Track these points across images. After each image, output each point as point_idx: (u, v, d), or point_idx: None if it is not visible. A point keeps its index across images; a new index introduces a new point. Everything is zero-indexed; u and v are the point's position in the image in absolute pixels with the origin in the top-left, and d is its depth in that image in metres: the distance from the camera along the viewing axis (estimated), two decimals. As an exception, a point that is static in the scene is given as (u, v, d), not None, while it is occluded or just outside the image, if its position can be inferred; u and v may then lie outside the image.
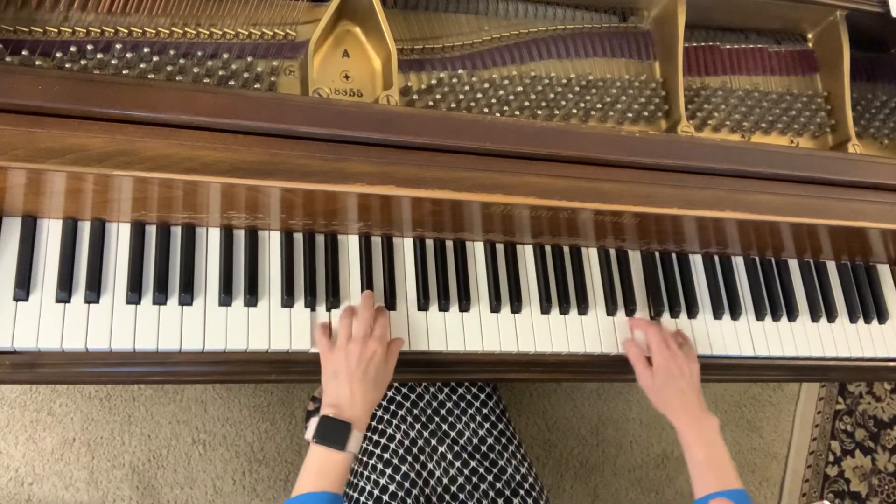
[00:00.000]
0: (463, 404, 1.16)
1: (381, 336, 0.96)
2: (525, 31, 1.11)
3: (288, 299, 1.00)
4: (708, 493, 0.94)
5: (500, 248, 1.12)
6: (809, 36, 1.25)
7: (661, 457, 1.87)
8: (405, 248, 1.08)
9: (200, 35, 0.96)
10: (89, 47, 0.90)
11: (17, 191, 0.87)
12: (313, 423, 0.90)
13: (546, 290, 1.11)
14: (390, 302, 1.04)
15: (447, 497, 1.09)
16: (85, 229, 0.96)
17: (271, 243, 1.03)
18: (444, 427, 1.13)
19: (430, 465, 1.10)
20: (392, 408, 1.14)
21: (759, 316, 1.20)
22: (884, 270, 1.31)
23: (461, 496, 1.09)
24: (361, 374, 0.92)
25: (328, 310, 1.02)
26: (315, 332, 0.99)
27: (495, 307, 1.08)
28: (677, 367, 1.04)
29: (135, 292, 0.94)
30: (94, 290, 0.93)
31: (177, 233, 0.99)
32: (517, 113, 1.06)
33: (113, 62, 0.91)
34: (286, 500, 0.87)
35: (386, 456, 1.10)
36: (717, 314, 1.18)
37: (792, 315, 1.22)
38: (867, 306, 1.27)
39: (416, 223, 1.04)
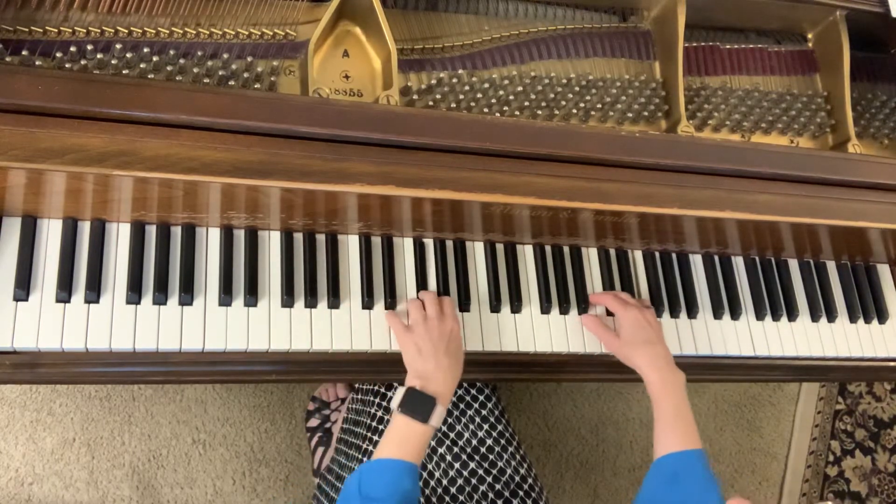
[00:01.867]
0: (462, 405, 1.16)
1: (453, 314, 1.00)
2: (525, 31, 1.11)
3: (288, 299, 1.00)
4: (675, 451, 0.95)
5: (500, 248, 1.12)
6: (809, 36, 1.25)
7: (661, 457, 1.87)
8: (405, 248, 1.08)
9: (200, 35, 0.95)
10: (89, 47, 0.90)
11: (17, 191, 0.87)
12: (400, 391, 0.92)
13: (546, 290, 1.11)
14: (390, 302, 1.04)
15: (447, 498, 1.09)
16: (85, 229, 0.96)
17: (271, 243, 1.02)
18: (444, 428, 1.13)
19: (429, 466, 1.10)
20: (392, 408, 1.14)
21: (759, 316, 1.20)
22: (884, 270, 1.31)
23: (461, 497, 1.09)
24: (444, 347, 0.95)
25: (329, 309, 1.02)
26: (388, 317, 1.02)
27: (495, 307, 1.08)
28: (645, 319, 1.06)
29: (135, 292, 0.94)
30: (94, 290, 0.93)
31: (177, 233, 0.99)
32: (517, 113, 1.06)
33: (113, 62, 0.91)
34: (363, 463, 0.90)
35: (386, 456, 1.09)
36: (717, 314, 1.18)
37: (792, 315, 1.22)
38: (867, 306, 1.27)
39: (416, 223, 1.04)
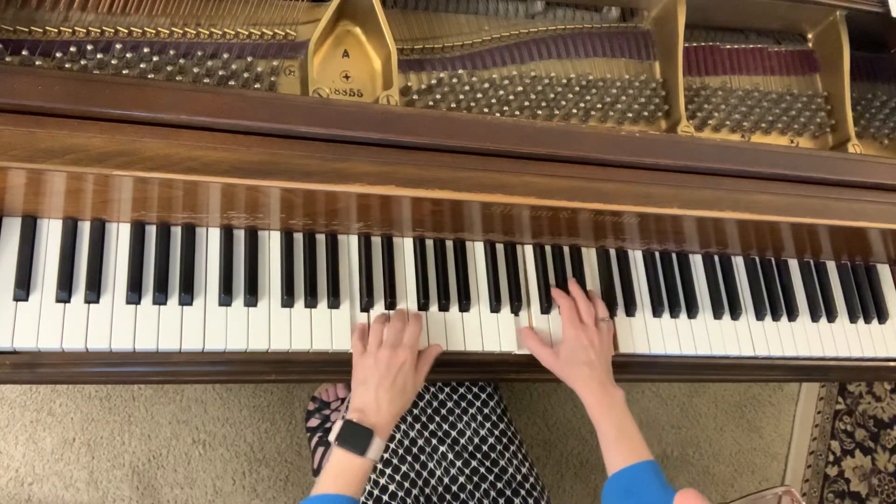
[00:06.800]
0: (464, 404, 1.16)
1: (412, 345, 0.97)
2: (525, 31, 1.11)
3: (288, 299, 1.00)
4: (624, 467, 0.95)
5: (500, 248, 1.12)
6: (809, 36, 1.25)
7: (660, 457, 1.87)
8: (405, 248, 1.08)
9: (200, 35, 0.96)
10: (89, 47, 0.90)
11: (17, 191, 0.87)
12: (338, 424, 0.91)
13: (546, 290, 1.11)
14: (390, 302, 1.04)
15: (448, 497, 1.09)
16: (85, 229, 0.96)
17: (271, 243, 1.02)
18: (445, 427, 1.13)
19: (430, 465, 1.10)
20: (392, 408, 1.14)
21: (759, 316, 1.20)
22: (884, 270, 1.31)
23: (462, 496, 1.09)
24: (389, 382, 0.94)
25: (329, 308, 1.02)
26: (353, 334, 1.00)
27: (495, 307, 1.08)
28: (588, 339, 1.03)
29: (135, 292, 0.94)
30: (94, 290, 0.93)
31: (177, 233, 0.99)
32: (517, 113, 1.06)
33: (113, 62, 0.91)
34: (302, 500, 0.88)
35: (386, 456, 1.10)
36: (717, 314, 1.18)
37: (792, 315, 1.22)
38: (867, 306, 1.27)
39: (416, 223, 1.04)
